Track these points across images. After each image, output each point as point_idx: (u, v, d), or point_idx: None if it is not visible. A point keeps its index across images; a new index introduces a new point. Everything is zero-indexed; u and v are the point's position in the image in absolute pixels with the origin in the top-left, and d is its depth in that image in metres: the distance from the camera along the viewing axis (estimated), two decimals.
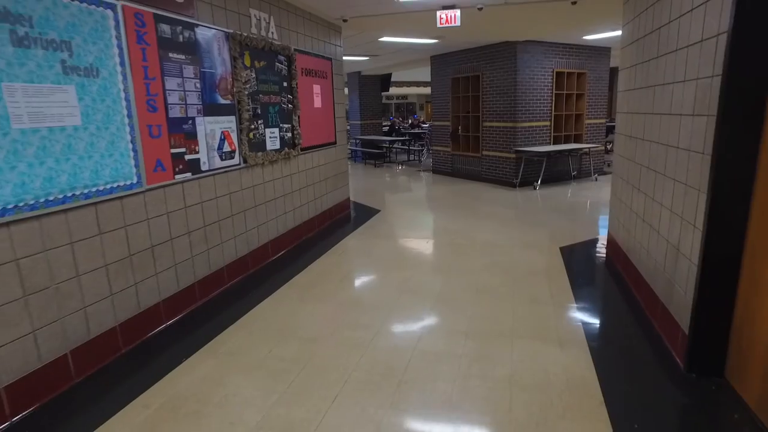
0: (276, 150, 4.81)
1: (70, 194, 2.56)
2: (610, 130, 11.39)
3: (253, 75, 4.36)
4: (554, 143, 9.18)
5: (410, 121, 20.18)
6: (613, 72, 10.62)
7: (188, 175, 3.55)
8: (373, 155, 12.87)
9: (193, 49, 3.55)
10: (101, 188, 2.77)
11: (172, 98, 3.35)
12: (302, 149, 5.40)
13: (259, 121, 4.50)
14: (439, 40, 8.13)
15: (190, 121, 3.55)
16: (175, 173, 3.41)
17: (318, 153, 5.88)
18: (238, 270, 4.25)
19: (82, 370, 2.69)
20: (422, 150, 12.73)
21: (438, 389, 2.49)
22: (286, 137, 5.01)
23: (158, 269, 3.29)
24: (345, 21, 6.07)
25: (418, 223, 6.28)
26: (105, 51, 2.75)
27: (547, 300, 3.59)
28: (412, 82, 24.94)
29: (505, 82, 8.65)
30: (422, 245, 5.22)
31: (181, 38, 3.42)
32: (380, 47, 8.92)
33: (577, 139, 9.58)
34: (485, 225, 5.95)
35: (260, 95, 4.49)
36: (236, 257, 4.22)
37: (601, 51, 9.37)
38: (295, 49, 5.12)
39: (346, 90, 15.40)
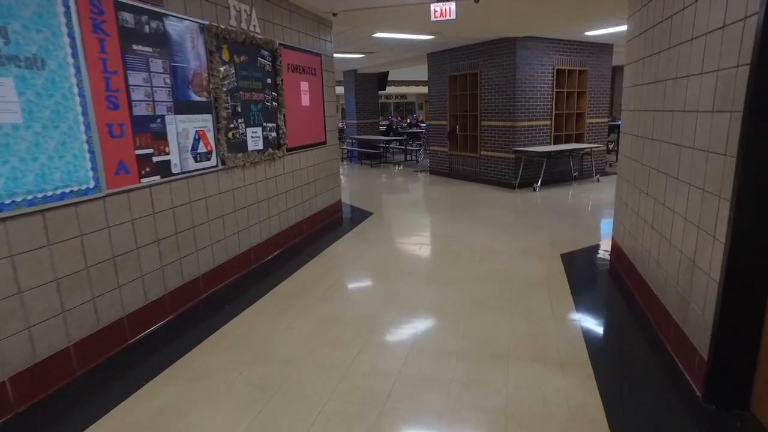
0: (259, 151, 4.52)
1: (8, 201, 2.27)
2: (612, 129, 11.09)
3: (233, 70, 4.07)
4: (555, 143, 8.89)
5: (408, 120, 19.88)
6: (615, 70, 10.31)
7: (156, 178, 3.25)
8: (369, 155, 12.58)
9: (162, 42, 3.26)
10: (49, 194, 2.47)
11: (137, 94, 3.06)
12: (288, 150, 5.11)
13: (240, 120, 4.21)
14: (435, 36, 7.84)
15: (159, 120, 3.26)
16: (141, 176, 3.12)
17: (306, 154, 5.59)
18: (215, 279, 3.96)
19: (23, 398, 2.40)
20: (419, 150, 12.43)
21: (423, 421, 2.20)
22: (270, 137, 4.72)
23: (121, 281, 3.00)
24: (335, 15, 5.77)
25: (412, 227, 6.00)
26: (52, 40, 2.45)
27: (547, 314, 3.30)
28: (411, 82, 24.66)
29: (503, 79, 8.36)
30: (415, 252, 4.93)
31: (147, 29, 3.13)
32: (374, 44, 8.63)
33: (579, 138, 9.28)
34: (483, 229, 5.66)
35: (241, 92, 4.20)
36: (214, 266, 3.93)
37: (602, 48, 9.07)
38: (281, 44, 4.84)
39: (340, 88, 15.17)
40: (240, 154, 4.19)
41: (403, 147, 12.83)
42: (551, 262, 4.38)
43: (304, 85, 5.44)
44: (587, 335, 2.99)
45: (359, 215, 6.64)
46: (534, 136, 8.59)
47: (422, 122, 18.72)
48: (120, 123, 2.93)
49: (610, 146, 11.23)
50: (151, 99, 3.17)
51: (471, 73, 9.08)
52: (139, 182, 3.11)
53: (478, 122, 9.08)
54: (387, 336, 3.07)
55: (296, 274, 4.31)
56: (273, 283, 4.06)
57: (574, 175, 9.20)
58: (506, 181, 8.62)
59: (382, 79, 13.94)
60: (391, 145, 13.11)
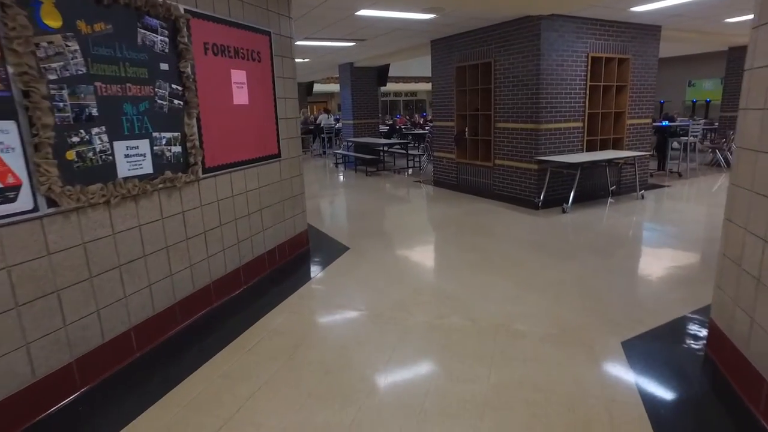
0: (144, 177, 2.88)
1: None
2: (659, 131, 9.23)
3: (74, 46, 2.42)
4: (588, 149, 7.11)
5: (413, 120, 18.07)
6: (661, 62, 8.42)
7: None
8: (366, 161, 10.88)
9: None
10: None
11: None
12: (208, 170, 3.46)
13: (96, 130, 2.56)
14: (437, 14, 6.12)
15: None
16: None
17: (244, 173, 3.95)
18: (16, 414, 2.33)
19: None
20: (422, 156, 10.69)
21: None
22: (169, 154, 3.08)
23: None
24: None
25: (395, 279, 4.18)
26: None
27: None
28: (421, 78, 22.90)
29: (524, 70, 6.61)
30: (388, 333, 3.19)
31: None
32: (363, 27, 6.95)
33: (617, 144, 7.49)
34: (497, 284, 3.94)
35: (97, 83, 2.55)
36: (31, 376, 2.30)
37: (648, 31, 7.26)
38: (190, 11, 3.19)
39: (333, 85, 13.46)
40: (95, 186, 2.55)
41: (404, 151, 11.11)
42: (609, 362, 2.66)
43: (239, 75, 3.78)
44: None
45: (329, 252, 4.97)
46: (562, 141, 6.83)
47: (429, 122, 16.93)
48: None
49: (654, 152, 9.36)
50: None
51: (483, 62, 7.34)
52: None
53: (492, 124, 7.34)
54: None
55: (193, 377, 2.65)
56: (153, 395, 2.42)
57: (611, 189, 7.42)
58: (526, 197, 6.87)
59: (382, 74, 12.25)
60: (391, 149, 11.40)
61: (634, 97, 7.45)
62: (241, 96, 3.81)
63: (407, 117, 23.47)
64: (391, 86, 25.97)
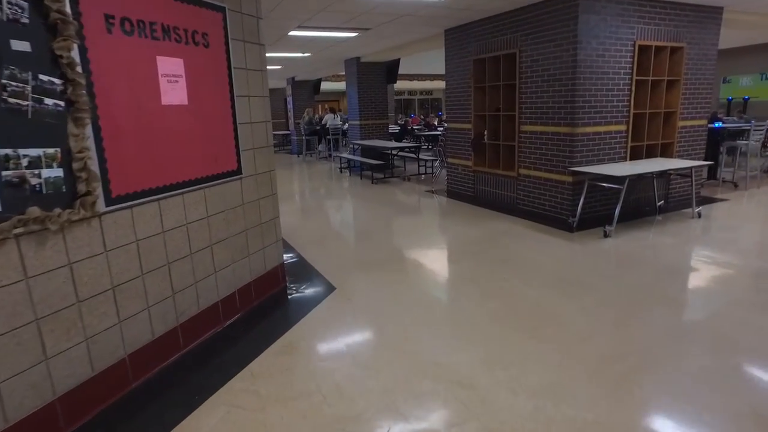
0: None
1: None
2: (709, 134, 7.93)
3: None
4: (631, 157, 5.92)
5: (426, 120, 16.90)
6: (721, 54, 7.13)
7: None
8: (373, 167, 9.75)
9: None
10: None
11: None
12: (118, 199, 2.42)
13: None
14: None
15: None
16: None
17: (184, 198, 2.89)
18: None
19: None
20: (435, 161, 9.54)
21: None
22: (35, 181, 2.04)
23: None
24: None
25: (386, 346, 2.96)
26: None
27: None
28: (436, 76, 21.73)
29: (557, 62, 5.45)
30: None
31: None
32: (363, 11, 5.86)
33: (665, 150, 6.27)
34: (529, 355, 2.82)
35: None
36: None
37: (707, 14, 6.03)
38: None
39: (338, 84, 12.43)
40: None
41: (415, 155, 9.98)
42: None
43: (171, 65, 2.73)
44: None
45: (309, 294, 3.90)
46: (602, 148, 5.65)
47: (444, 122, 15.79)
48: None
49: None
50: None
51: (506, 54, 6.19)
52: None
53: (516, 127, 6.19)
54: None
55: None
56: None
57: (658, 205, 6.21)
58: (558, 216, 5.71)
59: (391, 70, 11.16)
60: (399, 153, 10.29)
61: (688, 94, 6.22)
62: (175, 93, 2.76)
63: (422, 117, 22.34)
64: (405, 84, 24.93)
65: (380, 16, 6.18)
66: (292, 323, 3.35)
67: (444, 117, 18.53)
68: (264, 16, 3.76)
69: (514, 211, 6.34)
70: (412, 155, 10.08)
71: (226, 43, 3.17)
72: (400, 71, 19.99)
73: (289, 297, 3.84)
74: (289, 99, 16.25)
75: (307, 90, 16.07)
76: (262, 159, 3.66)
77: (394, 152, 10.06)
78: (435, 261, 4.66)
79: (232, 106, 3.27)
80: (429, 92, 29.20)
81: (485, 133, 6.85)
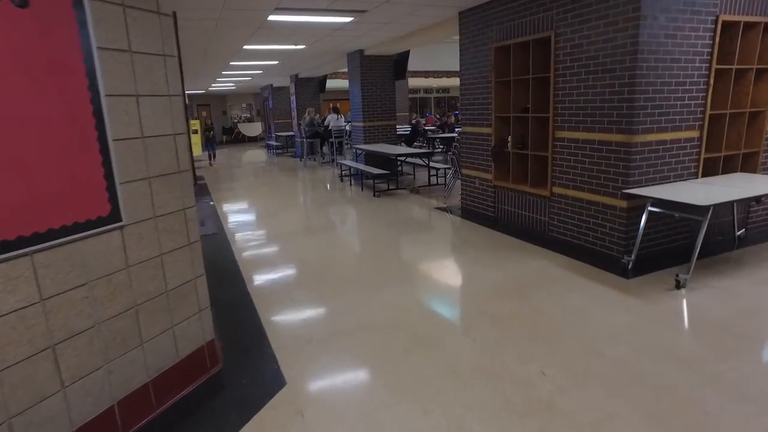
0: None
1: None
2: None
3: None
4: (703, 173, 4.47)
5: (444, 119, 15.44)
6: None
7: None
8: (378, 176, 8.34)
9: None
10: None
11: None
12: None
13: None
14: None
15: None
16: None
17: None
18: None
19: None
20: (449, 171, 8.12)
21: None
22: None
23: None
24: None
25: None
26: None
27: None
28: (454, 72, 20.27)
29: (608, 46, 4.04)
30: None
31: None
32: None
33: (747, 162, 4.80)
34: None
35: None
36: None
37: None
38: None
39: (340, 81, 11.24)
40: None
41: (425, 163, 8.58)
42: None
43: None
44: None
45: (242, 395, 2.60)
46: (667, 162, 4.23)
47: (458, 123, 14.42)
48: None
49: None
50: None
51: (537, 38, 4.80)
52: None
53: (550, 132, 4.80)
54: None
55: None
56: None
57: (737, 235, 4.74)
58: (606, 251, 4.31)
59: (400, 64, 9.80)
60: (407, 159, 8.91)
61: None
62: None
63: (437, 116, 20.90)
64: (420, 82, 23.59)
65: None
66: None
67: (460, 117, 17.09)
68: None
69: (545, 242, 4.94)
70: (422, 162, 8.69)
71: (76, 5, 1.88)
72: (414, 67, 18.58)
73: (216, 395, 2.55)
74: (293, 98, 15.03)
75: (311, 88, 14.81)
76: (167, 193, 2.36)
77: (401, 158, 8.69)
78: (436, 335, 3.22)
79: (96, 113, 1.98)
80: (446, 90, 27.76)
81: (509, 139, 5.46)
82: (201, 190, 9.56)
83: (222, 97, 24.68)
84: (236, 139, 24.48)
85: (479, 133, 5.98)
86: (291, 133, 16.11)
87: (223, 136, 24.45)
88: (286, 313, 3.62)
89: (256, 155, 17.26)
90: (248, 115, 25.54)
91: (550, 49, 4.64)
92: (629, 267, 4.04)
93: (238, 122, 24.98)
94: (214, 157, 13.50)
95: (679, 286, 3.64)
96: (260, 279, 4.35)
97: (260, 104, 22.88)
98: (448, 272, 4.49)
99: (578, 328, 3.11)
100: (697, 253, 3.66)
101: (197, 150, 3.84)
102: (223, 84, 17.39)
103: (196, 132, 3.69)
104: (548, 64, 4.71)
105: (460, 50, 6.11)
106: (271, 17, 5.89)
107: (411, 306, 3.61)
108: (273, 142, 17.20)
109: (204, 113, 23.76)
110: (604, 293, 3.63)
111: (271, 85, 17.78)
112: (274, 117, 18.29)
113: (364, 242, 5.64)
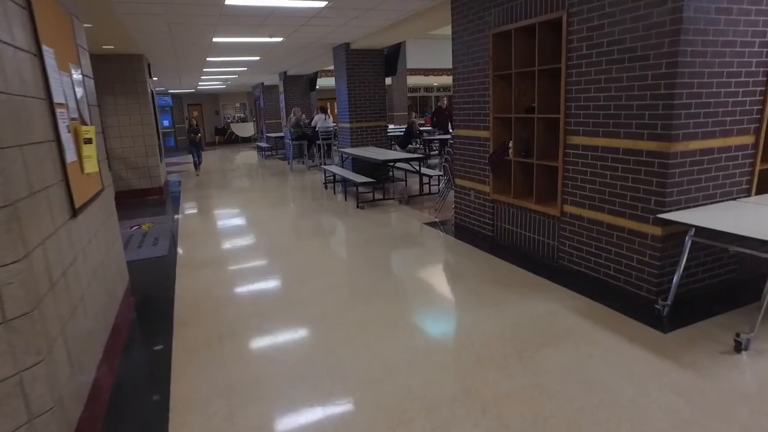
0: None
1: None
2: None
3: None
4: (758, 190, 3.52)
5: (437, 105, 14.35)
6: None
7: None
8: (364, 183, 7.36)
9: None
10: None
11: None
12: None
13: None
14: None
15: None
16: None
17: None
18: None
19: None
20: (441, 180, 7.13)
21: None
22: None
23: None
24: None
25: None
26: None
27: None
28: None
29: (639, 28, 3.09)
30: None
31: None
32: None
33: None
34: None
35: None
36: None
37: None
38: None
39: (327, 80, 10.44)
40: None
41: (416, 169, 7.62)
42: None
43: None
44: None
45: None
46: (713, 176, 3.28)
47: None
48: None
49: None
50: None
51: (546, 21, 3.85)
52: None
53: (561, 137, 3.85)
54: None
55: None
56: None
57: None
58: (632, 289, 3.37)
59: (391, 59, 8.87)
60: (397, 165, 7.96)
61: None
62: None
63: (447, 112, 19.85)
64: (420, 80, 22.73)
65: None
66: None
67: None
68: None
69: (554, 272, 3.99)
70: (413, 169, 7.74)
71: None
72: (413, 65, 17.57)
73: None
74: (282, 96, 14.12)
75: (301, 86, 13.90)
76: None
77: (390, 164, 7.75)
78: (422, 420, 2.34)
79: None
80: (446, 89, 26.84)
81: (510, 145, 4.52)
82: (173, 200, 8.69)
83: (214, 96, 23.80)
84: (229, 140, 23.60)
85: (474, 136, 5.04)
86: (281, 135, 15.19)
87: (215, 137, 23.56)
88: (204, 396, 2.70)
89: (246, 158, 16.33)
90: (242, 115, 24.66)
91: (562, 34, 3.69)
92: (663, 314, 3.10)
93: (231, 122, 24.08)
94: (200, 164, 12.18)
95: (740, 348, 2.69)
96: (194, 330, 3.43)
97: (253, 103, 22.01)
98: (429, 322, 3.43)
99: (601, 420, 2.16)
100: (766, 305, 2.70)
101: (90, 165, 2.86)
102: (211, 82, 16.49)
103: (89, 141, 2.74)
104: (559, 53, 3.76)
105: (453, 39, 5.17)
106: (228, 1, 4.98)
107: (377, 380, 2.67)
108: (263, 144, 16.28)
109: (195, 113, 22.90)
110: (635, 358, 2.68)
111: (263, 83, 16.87)
112: (266, 117, 17.38)
113: (333, 270, 4.66)
